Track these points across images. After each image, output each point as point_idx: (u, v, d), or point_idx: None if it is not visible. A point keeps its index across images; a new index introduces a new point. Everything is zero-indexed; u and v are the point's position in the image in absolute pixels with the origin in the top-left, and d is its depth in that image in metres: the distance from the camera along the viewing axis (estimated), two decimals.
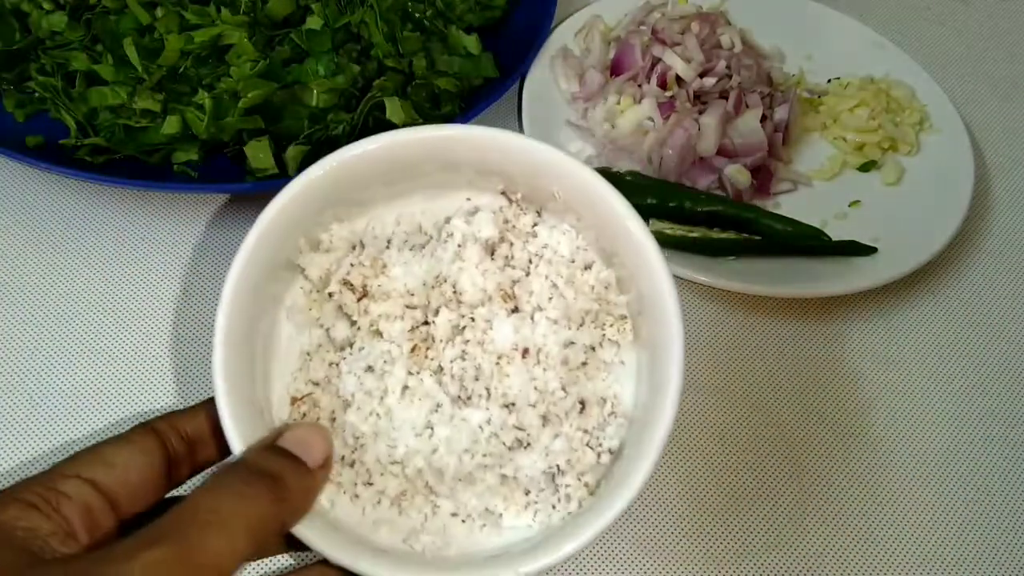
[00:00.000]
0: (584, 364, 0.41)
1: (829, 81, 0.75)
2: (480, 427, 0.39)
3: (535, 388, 0.40)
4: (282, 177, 0.60)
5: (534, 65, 0.71)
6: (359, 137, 0.63)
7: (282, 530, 0.34)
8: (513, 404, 0.39)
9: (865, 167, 0.70)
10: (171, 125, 0.61)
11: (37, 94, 0.64)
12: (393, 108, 0.62)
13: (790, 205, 0.67)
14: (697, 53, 0.70)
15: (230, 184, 0.61)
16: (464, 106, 0.67)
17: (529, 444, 0.39)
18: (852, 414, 0.58)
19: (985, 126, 0.75)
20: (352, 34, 0.66)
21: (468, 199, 0.43)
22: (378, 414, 0.40)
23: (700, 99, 0.69)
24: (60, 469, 0.33)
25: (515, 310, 0.41)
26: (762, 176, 0.67)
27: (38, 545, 0.31)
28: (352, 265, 0.42)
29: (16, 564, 0.30)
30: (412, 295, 0.41)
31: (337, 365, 0.41)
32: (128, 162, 0.62)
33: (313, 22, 0.64)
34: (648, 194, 0.63)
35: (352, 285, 0.42)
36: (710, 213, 0.63)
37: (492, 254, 0.42)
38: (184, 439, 0.36)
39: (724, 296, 0.62)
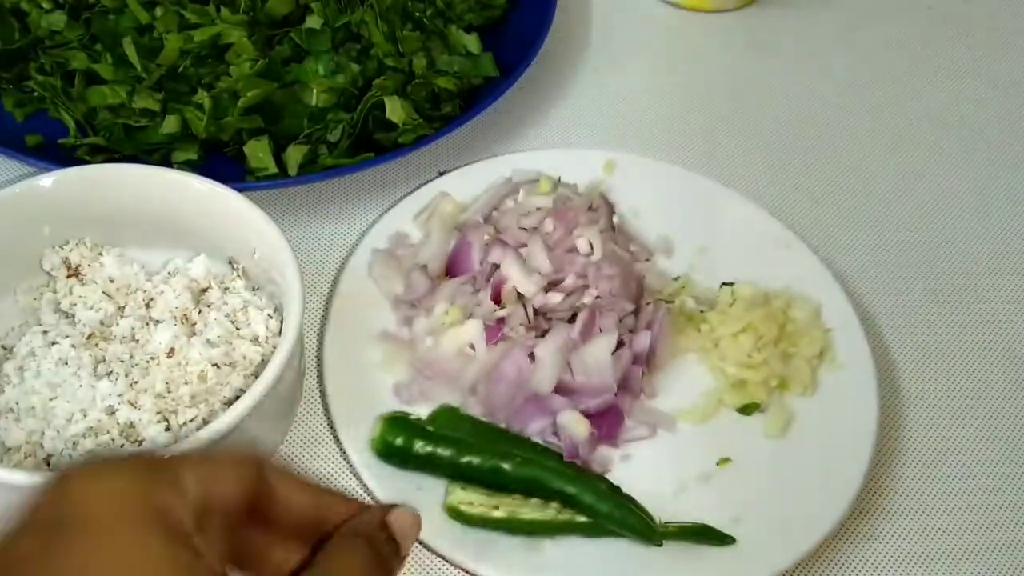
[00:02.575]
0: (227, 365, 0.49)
1: (722, 286, 0.60)
2: (106, 396, 0.47)
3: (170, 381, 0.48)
4: (282, 177, 0.60)
5: (356, 252, 0.59)
6: (359, 136, 0.63)
7: None
8: (136, 382, 0.48)
9: (746, 409, 0.55)
10: (170, 124, 0.61)
11: (36, 93, 0.64)
12: (393, 107, 0.62)
13: (643, 459, 0.53)
14: (543, 262, 0.56)
15: (229, 184, 0.61)
16: (464, 106, 0.67)
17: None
18: None
19: (987, 127, 0.74)
20: (352, 33, 0.66)
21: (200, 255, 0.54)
22: (26, 368, 0.48)
23: (546, 316, 0.56)
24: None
25: (192, 333, 0.50)
26: (610, 420, 0.53)
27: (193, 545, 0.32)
28: (75, 245, 0.52)
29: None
30: (112, 282, 0.52)
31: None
32: (127, 161, 0.61)
33: (313, 21, 0.64)
34: (454, 447, 0.50)
35: (69, 263, 0.52)
36: (528, 480, 0.50)
37: (193, 293, 0.52)
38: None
39: None
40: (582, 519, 0.49)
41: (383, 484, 0.50)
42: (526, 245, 0.57)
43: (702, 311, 0.58)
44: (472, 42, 0.69)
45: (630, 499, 0.50)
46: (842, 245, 0.65)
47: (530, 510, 0.50)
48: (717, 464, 0.53)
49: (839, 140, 0.72)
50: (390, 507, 0.39)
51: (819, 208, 0.67)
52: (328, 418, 0.53)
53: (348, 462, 0.52)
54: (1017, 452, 0.56)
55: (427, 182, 0.63)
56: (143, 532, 0.30)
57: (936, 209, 0.68)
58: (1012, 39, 0.81)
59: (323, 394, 0.53)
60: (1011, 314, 0.63)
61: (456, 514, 0.49)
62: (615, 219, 0.61)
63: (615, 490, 0.50)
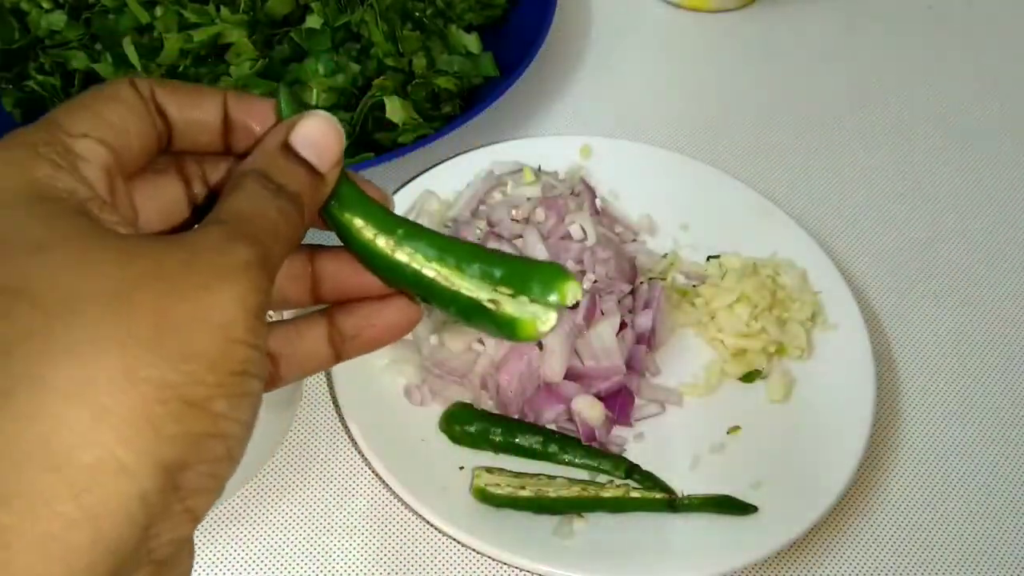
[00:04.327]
0: None
1: (708, 259, 0.61)
2: None
3: None
4: None
5: None
6: (359, 136, 0.63)
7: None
8: None
9: (748, 377, 0.56)
10: None
11: (36, 93, 0.64)
12: (393, 107, 0.62)
13: (656, 435, 0.54)
14: (540, 251, 0.56)
15: None
16: (464, 105, 0.67)
17: None
18: None
19: (987, 127, 0.74)
20: (352, 33, 0.66)
21: None
22: None
23: None
24: (60, 123, 0.25)
25: None
26: (621, 401, 0.54)
27: (88, 212, 0.24)
28: None
29: (91, 233, 0.23)
30: None
31: None
32: None
33: (313, 21, 0.64)
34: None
35: None
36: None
37: None
38: (163, 115, 0.28)
39: None
40: (607, 495, 0.51)
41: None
42: (520, 236, 0.57)
43: (694, 285, 0.60)
44: (472, 42, 0.69)
45: (650, 475, 0.52)
46: (843, 244, 0.65)
47: (555, 489, 0.51)
48: (728, 433, 0.54)
49: (839, 140, 0.72)
50: (294, 121, 0.28)
51: (819, 208, 0.67)
52: (345, 427, 0.53)
53: (372, 470, 0.51)
54: (1017, 451, 0.56)
55: (408, 181, 0.62)
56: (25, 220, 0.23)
57: (936, 209, 0.68)
58: (1012, 39, 0.81)
59: (335, 403, 0.53)
60: (1012, 311, 0.63)
61: (484, 496, 0.50)
62: (598, 202, 0.62)
63: (635, 468, 0.52)
